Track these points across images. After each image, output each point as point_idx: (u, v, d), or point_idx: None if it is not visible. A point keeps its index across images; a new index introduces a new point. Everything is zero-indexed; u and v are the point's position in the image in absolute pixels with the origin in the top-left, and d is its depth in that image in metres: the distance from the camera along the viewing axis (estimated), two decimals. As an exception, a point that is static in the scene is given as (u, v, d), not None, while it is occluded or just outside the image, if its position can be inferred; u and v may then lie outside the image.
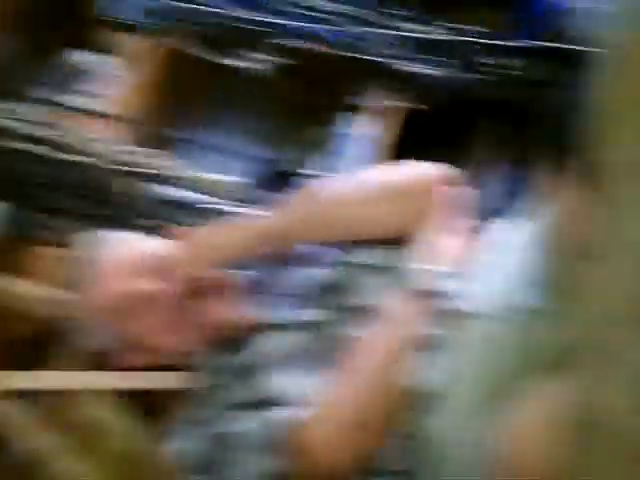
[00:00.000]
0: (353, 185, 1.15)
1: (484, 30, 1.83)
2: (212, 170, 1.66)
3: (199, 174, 1.60)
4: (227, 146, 1.89)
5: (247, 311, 1.15)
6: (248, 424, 1.00)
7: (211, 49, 1.85)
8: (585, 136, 0.60)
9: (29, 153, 1.50)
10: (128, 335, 1.10)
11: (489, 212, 1.21)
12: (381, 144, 1.74)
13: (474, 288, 1.02)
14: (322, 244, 1.20)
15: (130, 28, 1.83)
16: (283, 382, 1.04)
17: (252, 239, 1.09)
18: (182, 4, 1.82)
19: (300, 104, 1.98)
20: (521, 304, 0.92)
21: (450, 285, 1.06)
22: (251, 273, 1.19)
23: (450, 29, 1.85)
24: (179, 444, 1.06)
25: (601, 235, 0.58)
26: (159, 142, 1.85)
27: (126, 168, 1.55)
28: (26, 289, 1.32)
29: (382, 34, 1.85)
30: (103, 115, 1.77)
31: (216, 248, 1.09)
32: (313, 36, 1.83)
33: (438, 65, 1.80)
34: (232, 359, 1.12)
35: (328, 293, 1.14)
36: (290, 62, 1.81)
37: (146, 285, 1.09)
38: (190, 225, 1.54)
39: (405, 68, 1.80)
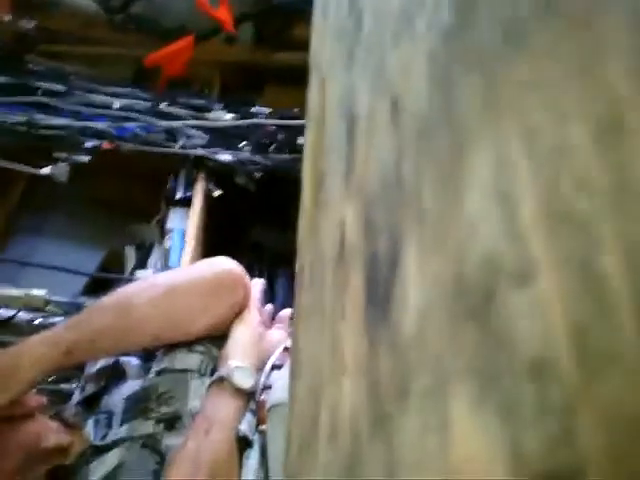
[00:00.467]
0: (160, 285, 1.15)
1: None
2: (31, 285, 1.61)
3: (14, 290, 1.55)
4: (47, 257, 1.85)
5: (64, 433, 1.11)
6: None
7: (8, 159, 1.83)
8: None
9: None
10: None
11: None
12: (194, 236, 1.76)
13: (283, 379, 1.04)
14: (129, 352, 1.18)
15: None
16: None
17: (50, 353, 1.04)
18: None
19: (115, 202, 1.97)
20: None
21: (266, 378, 1.08)
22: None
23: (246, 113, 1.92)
24: None
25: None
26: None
27: None
28: None
29: (186, 125, 1.90)
30: None
31: (17, 371, 1.04)
32: (113, 135, 1.85)
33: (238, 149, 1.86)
34: None
35: (146, 404, 1.12)
36: (93, 161, 1.81)
37: None
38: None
39: (210, 156, 1.85)
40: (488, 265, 0.26)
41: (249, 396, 1.06)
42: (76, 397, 1.20)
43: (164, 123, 1.89)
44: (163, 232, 1.86)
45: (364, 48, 0.50)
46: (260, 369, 1.11)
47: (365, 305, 0.40)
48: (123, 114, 1.90)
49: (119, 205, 2.00)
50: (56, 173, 1.75)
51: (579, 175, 0.23)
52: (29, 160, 1.90)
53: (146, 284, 1.16)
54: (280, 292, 1.81)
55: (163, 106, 1.93)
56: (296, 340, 0.55)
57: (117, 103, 1.90)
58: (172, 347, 1.16)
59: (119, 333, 1.09)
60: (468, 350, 0.26)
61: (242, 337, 1.15)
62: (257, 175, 1.86)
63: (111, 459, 1.06)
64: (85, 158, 1.86)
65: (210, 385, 1.07)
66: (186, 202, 1.89)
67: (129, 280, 1.76)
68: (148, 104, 1.96)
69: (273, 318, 1.28)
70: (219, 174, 1.90)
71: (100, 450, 1.08)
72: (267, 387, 1.07)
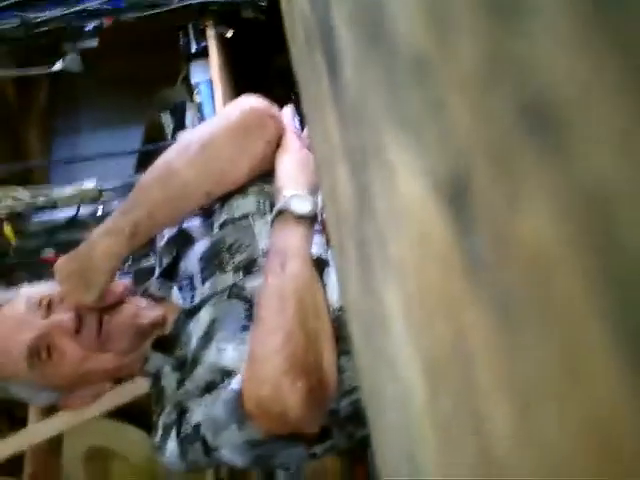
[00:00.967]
0: (192, 144, 1.13)
1: None
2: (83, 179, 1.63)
3: (67, 189, 1.57)
4: (90, 150, 1.86)
5: (155, 307, 1.15)
6: (210, 409, 1.00)
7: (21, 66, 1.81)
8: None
9: None
10: (62, 377, 1.09)
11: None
12: (221, 83, 1.72)
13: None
14: (189, 215, 1.19)
15: None
16: (222, 357, 1.04)
17: (116, 241, 1.07)
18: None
19: (132, 76, 1.94)
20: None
21: (319, 203, 1.07)
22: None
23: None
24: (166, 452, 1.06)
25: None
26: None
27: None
28: None
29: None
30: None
31: (93, 267, 1.08)
32: (109, 10, 1.79)
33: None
34: (169, 357, 1.13)
35: (219, 258, 1.14)
36: (102, 43, 1.77)
37: (45, 322, 1.07)
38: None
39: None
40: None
41: (312, 219, 1.05)
42: (156, 273, 1.23)
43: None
44: (191, 89, 1.83)
45: None
46: (315, 190, 1.09)
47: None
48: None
49: (141, 78, 1.97)
50: (68, 65, 1.72)
51: None
52: (43, 62, 1.88)
53: (179, 147, 1.14)
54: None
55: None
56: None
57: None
58: (227, 197, 1.16)
59: (171, 201, 1.09)
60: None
61: (289, 166, 1.13)
62: (263, 3, 1.78)
63: (204, 317, 1.09)
64: (93, 42, 1.82)
65: (272, 221, 1.07)
66: (204, 53, 1.84)
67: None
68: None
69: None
70: (226, 15, 1.82)
71: (192, 312, 1.12)
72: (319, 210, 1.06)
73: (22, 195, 1.54)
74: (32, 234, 1.56)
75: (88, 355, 1.06)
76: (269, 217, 1.10)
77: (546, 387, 0.15)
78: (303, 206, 1.05)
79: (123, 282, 1.15)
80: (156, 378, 1.12)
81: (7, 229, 1.52)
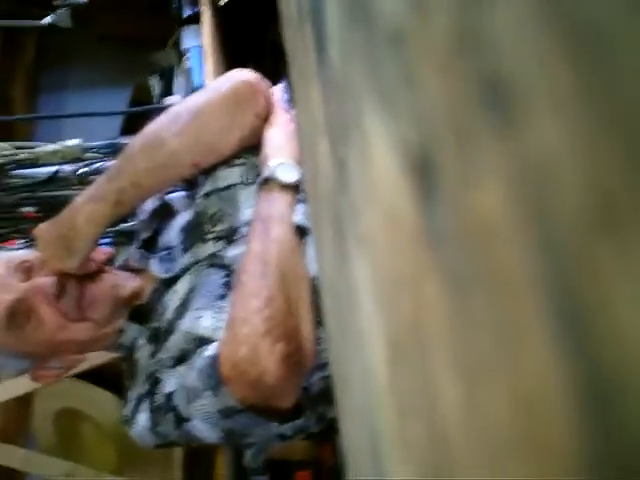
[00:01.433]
0: (182, 113, 1.12)
1: None
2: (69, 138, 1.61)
3: (50, 145, 1.55)
4: (76, 108, 1.84)
5: (134, 278, 1.15)
6: (184, 377, 1.00)
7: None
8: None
9: None
10: (37, 343, 1.08)
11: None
12: (212, 51, 1.70)
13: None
14: (173, 186, 1.18)
15: None
16: (198, 325, 1.04)
17: (100, 208, 1.06)
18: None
19: (123, 37, 1.92)
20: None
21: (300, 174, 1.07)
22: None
23: None
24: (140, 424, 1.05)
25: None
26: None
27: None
28: None
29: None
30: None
31: (75, 234, 1.07)
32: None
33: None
34: (144, 328, 1.12)
35: (201, 228, 1.13)
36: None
37: (26, 285, 1.06)
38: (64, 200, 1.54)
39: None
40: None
41: (296, 189, 1.05)
42: (135, 244, 1.22)
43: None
44: (180, 54, 1.81)
45: None
46: (300, 162, 1.09)
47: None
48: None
49: (132, 39, 1.95)
50: (59, 20, 1.70)
51: None
52: (33, 17, 1.85)
53: (170, 116, 1.13)
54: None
55: None
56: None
57: None
58: (211, 170, 1.15)
59: (157, 170, 1.08)
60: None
61: (276, 137, 1.13)
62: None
63: (182, 287, 1.09)
64: (82, -3, 1.79)
65: (258, 190, 1.07)
66: (195, 19, 1.82)
67: (159, 109, 1.74)
68: None
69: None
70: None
71: (170, 282, 1.11)
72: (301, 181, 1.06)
73: (3, 148, 1.52)
74: (11, 188, 1.54)
75: (65, 324, 1.05)
76: (253, 187, 1.10)
77: (489, 363, 0.15)
78: (289, 175, 1.05)
79: (105, 249, 1.15)
80: (130, 351, 1.11)
81: (-14, 181, 1.50)
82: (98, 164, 1.55)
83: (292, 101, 1.21)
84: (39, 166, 1.55)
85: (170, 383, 0.98)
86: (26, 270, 1.06)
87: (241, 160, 1.16)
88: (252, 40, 1.89)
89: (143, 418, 1.00)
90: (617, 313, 0.12)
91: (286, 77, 1.32)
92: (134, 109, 1.93)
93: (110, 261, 1.16)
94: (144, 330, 1.11)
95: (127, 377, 1.10)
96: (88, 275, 1.08)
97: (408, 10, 0.19)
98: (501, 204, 0.14)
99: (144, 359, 1.07)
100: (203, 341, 0.98)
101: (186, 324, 1.03)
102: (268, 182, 1.05)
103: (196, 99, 1.16)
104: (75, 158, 1.52)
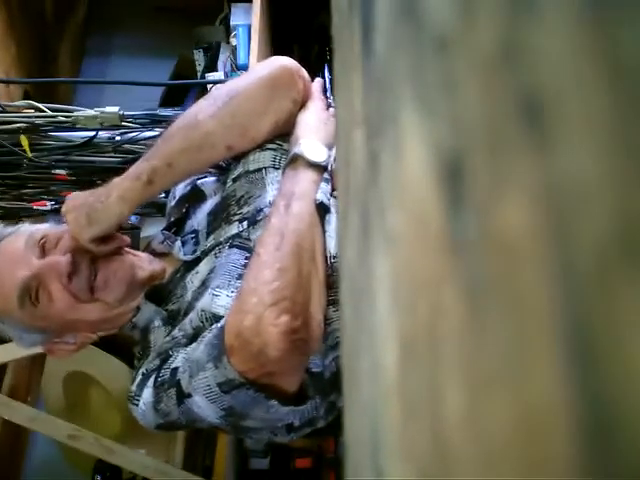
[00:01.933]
0: (220, 96, 1.13)
1: None
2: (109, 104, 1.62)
3: (89, 110, 1.57)
4: (119, 75, 1.85)
5: (155, 261, 1.15)
6: (192, 352, 1.00)
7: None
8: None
9: None
10: (49, 320, 1.09)
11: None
12: (260, 30, 1.70)
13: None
14: (206, 170, 1.19)
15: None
16: (214, 303, 1.04)
17: (133, 185, 1.07)
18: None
19: (172, 8, 1.93)
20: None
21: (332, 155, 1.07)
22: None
23: None
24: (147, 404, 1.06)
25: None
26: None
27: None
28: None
29: None
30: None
31: (106, 205, 1.07)
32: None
33: None
34: (161, 309, 1.13)
35: (227, 210, 1.14)
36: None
37: (40, 262, 1.07)
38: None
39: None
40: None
41: (323, 169, 1.05)
42: (161, 226, 1.23)
43: None
44: (228, 31, 1.81)
45: None
46: (331, 146, 1.09)
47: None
48: None
49: (181, 10, 1.95)
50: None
51: None
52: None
53: (208, 99, 1.14)
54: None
55: None
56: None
57: None
58: (244, 155, 1.16)
59: (192, 152, 1.09)
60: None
61: (309, 120, 1.13)
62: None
63: (203, 268, 1.09)
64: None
65: (285, 168, 1.07)
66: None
67: (200, 84, 1.75)
68: None
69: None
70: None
71: (192, 265, 1.12)
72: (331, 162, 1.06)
73: (43, 109, 1.54)
74: (47, 149, 1.56)
75: (76, 305, 1.06)
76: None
77: (496, 375, 0.15)
78: (317, 154, 1.05)
79: (125, 238, 1.14)
80: (144, 332, 1.12)
81: (24, 140, 1.52)
82: (134, 133, 1.56)
83: (332, 89, 1.22)
84: (76, 130, 1.56)
85: (178, 359, 0.98)
86: (42, 246, 1.07)
87: (274, 145, 1.16)
88: (300, 24, 1.89)
89: (147, 394, 1.00)
90: (627, 347, 0.12)
91: (329, 64, 1.32)
92: (175, 82, 1.94)
93: (133, 242, 1.16)
94: (160, 312, 1.11)
95: (138, 359, 1.10)
96: (104, 256, 1.09)
97: (456, 15, 0.19)
98: (525, 220, 0.14)
99: (159, 340, 1.08)
100: (217, 319, 0.99)
101: (204, 302, 1.03)
102: (295, 159, 1.05)
103: (235, 82, 1.17)
104: (112, 125, 1.53)
